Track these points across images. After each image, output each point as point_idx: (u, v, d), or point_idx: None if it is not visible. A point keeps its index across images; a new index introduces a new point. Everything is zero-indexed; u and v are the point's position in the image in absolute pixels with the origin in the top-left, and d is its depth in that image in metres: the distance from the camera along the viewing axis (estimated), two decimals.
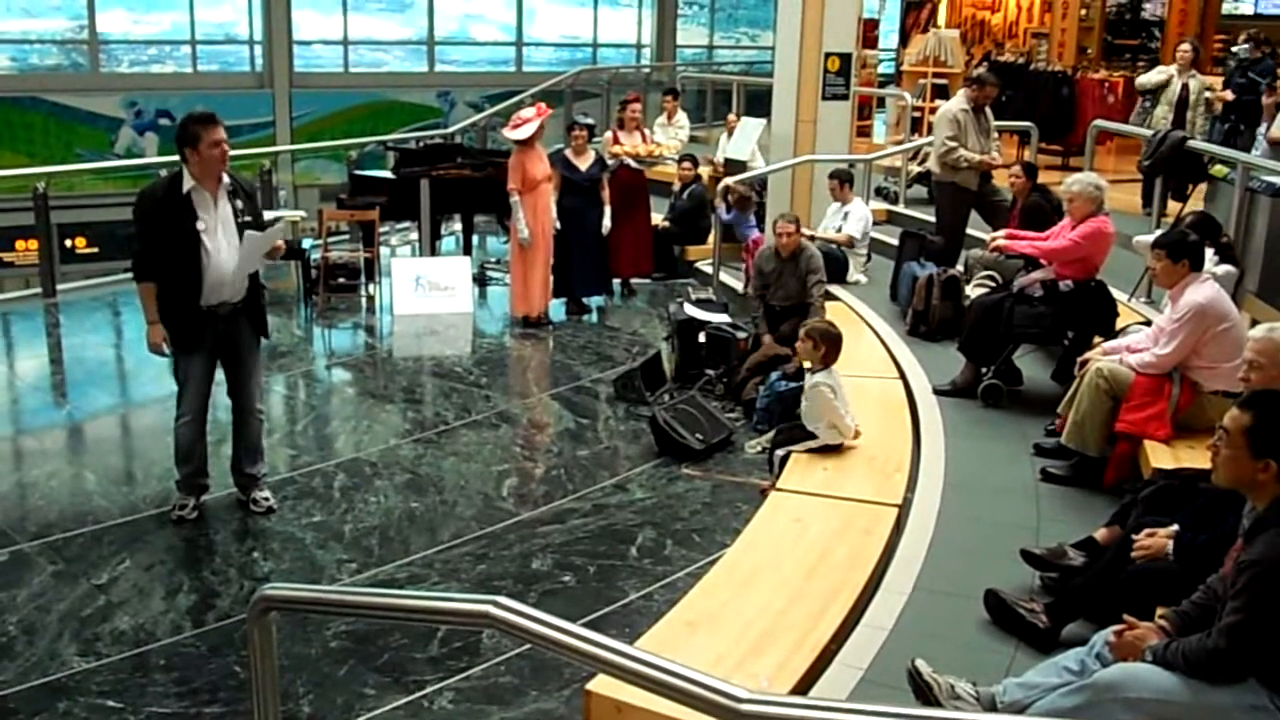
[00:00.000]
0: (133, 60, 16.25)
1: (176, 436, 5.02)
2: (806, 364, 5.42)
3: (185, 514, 5.02)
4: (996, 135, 7.79)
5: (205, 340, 4.88)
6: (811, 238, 7.96)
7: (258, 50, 16.53)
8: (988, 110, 7.65)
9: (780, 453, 5.16)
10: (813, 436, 5.08)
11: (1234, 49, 9.89)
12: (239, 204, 4.81)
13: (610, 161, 8.86)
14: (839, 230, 8.08)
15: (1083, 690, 2.86)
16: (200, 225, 4.67)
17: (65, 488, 5.44)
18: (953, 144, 7.53)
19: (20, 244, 13.23)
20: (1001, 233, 6.42)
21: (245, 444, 5.15)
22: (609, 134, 9.37)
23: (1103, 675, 2.87)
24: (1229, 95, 9.56)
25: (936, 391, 5.88)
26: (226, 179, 4.78)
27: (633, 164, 9.07)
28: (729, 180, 8.84)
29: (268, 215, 9.78)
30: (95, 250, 14.40)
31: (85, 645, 4.07)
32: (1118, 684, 2.81)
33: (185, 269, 4.71)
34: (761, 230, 8.69)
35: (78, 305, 8.79)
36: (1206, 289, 4.64)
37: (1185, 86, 9.28)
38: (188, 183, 4.70)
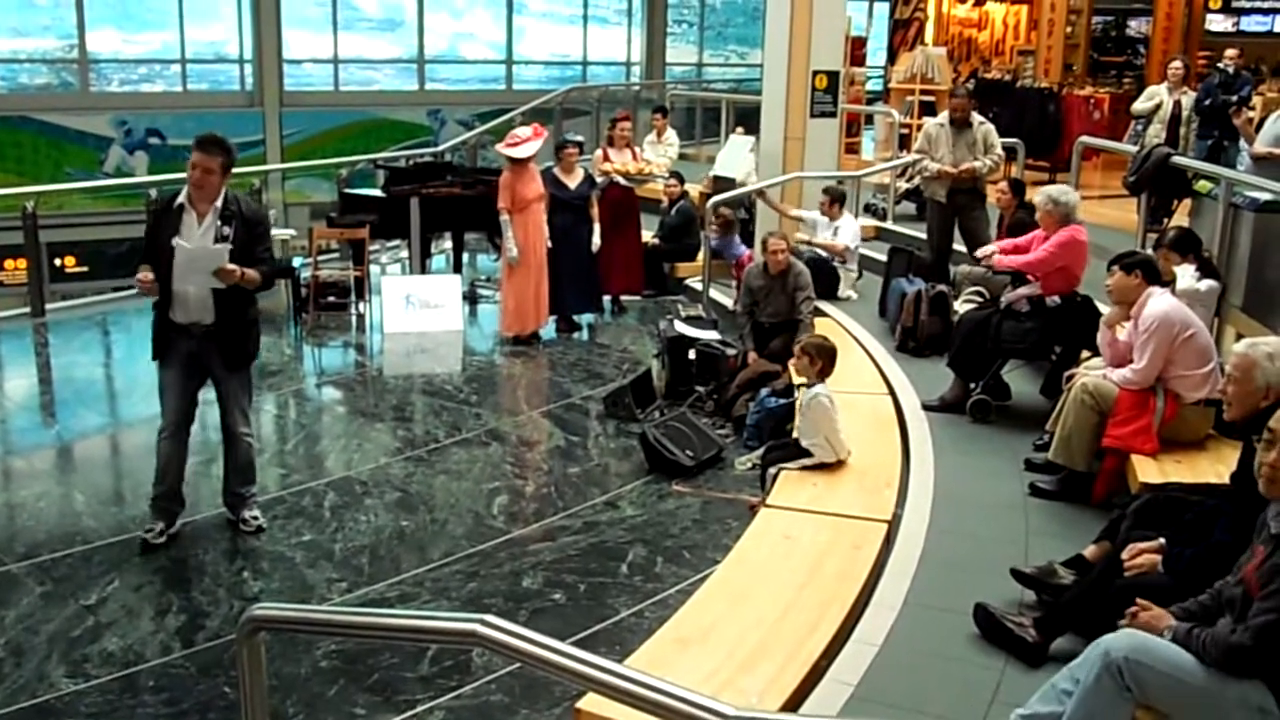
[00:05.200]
0: (123, 79, 16.26)
1: (156, 452, 5.01)
2: (802, 379, 5.44)
3: (151, 538, 4.95)
4: (998, 151, 7.75)
5: (175, 353, 4.88)
6: (808, 243, 8.04)
7: (248, 69, 16.55)
8: (977, 126, 7.67)
9: (771, 470, 5.18)
10: (805, 454, 5.09)
11: (1220, 64, 9.97)
12: (227, 229, 4.76)
13: (600, 180, 8.89)
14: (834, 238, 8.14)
15: (1090, 665, 2.86)
16: (176, 240, 4.70)
17: (54, 508, 5.43)
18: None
19: (9, 263, 13.20)
20: (992, 246, 6.45)
21: (233, 466, 5.15)
22: (599, 152, 9.41)
23: (1114, 641, 2.86)
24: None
25: (925, 407, 5.91)
26: (221, 202, 4.79)
27: (622, 182, 9.11)
28: (714, 201, 8.86)
29: None
30: (84, 269, 14.36)
31: (74, 666, 4.05)
32: (1132, 648, 2.81)
33: (159, 279, 4.78)
34: (749, 247, 8.73)
35: (67, 325, 8.76)
36: (1165, 299, 4.72)
37: (1177, 104, 9.37)
38: (180, 197, 4.78)
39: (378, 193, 10.07)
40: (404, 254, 10.22)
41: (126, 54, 16.16)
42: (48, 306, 8.97)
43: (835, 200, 8.28)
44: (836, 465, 5.07)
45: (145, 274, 4.79)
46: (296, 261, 9.51)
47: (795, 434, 5.30)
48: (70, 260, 14.37)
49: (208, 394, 5.10)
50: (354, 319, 8.90)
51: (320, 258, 9.20)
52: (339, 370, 8.15)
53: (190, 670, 4.05)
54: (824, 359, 5.25)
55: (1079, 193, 6.45)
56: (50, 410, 7.00)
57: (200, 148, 4.76)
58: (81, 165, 15.12)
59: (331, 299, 8.93)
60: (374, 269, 9.72)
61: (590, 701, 3.07)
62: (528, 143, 8.02)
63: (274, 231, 10.29)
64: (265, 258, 4.96)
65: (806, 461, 5.07)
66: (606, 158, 9.15)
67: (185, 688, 3.94)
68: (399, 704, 3.84)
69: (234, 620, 4.21)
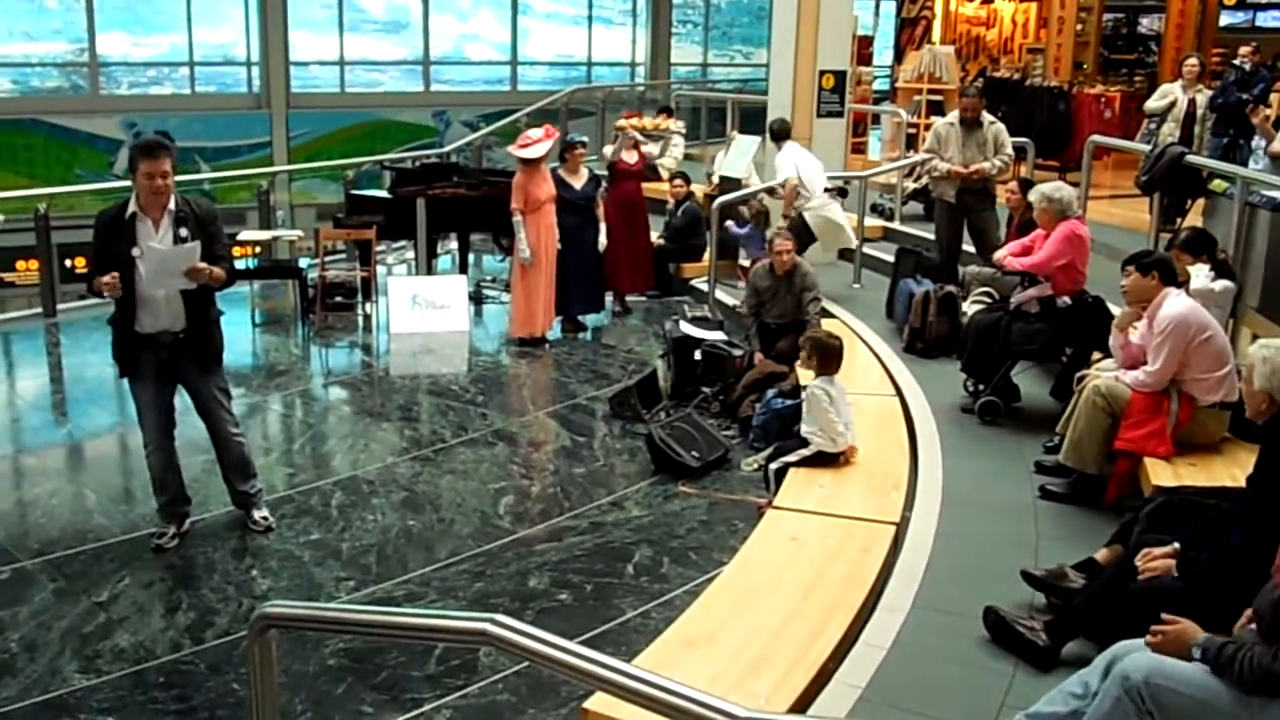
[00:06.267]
0: (132, 82, 16.33)
1: (148, 465, 4.99)
2: (810, 375, 5.45)
3: (163, 543, 4.96)
4: (1008, 151, 7.72)
5: (146, 366, 4.82)
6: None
7: (255, 71, 16.60)
8: (988, 125, 7.64)
9: (774, 466, 5.17)
10: (805, 444, 5.10)
11: (1236, 61, 9.88)
12: (184, 231, 4.70)
13: (616, 142, 8.81)
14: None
15: (1107, 689, 2.79)
16: (135, 251, 4.63)
17: (66, 506, 5.45)
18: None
19: (21, 264, 13.25)
20: (1006, 248, 6.43)
21: (229, 465, 5.15)
22: (607, 149, 9.38)
23: (1133, 663, 2.77)
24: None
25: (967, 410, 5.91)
26: (174, 205, 4.70)
27: (639, 138, 9.11)
28: (740, 194, 8.89)
29: (266, 234, 9.90)
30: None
31: (86, 662, 4.07)
32: (1153, 670, 2.73)
33: (121, 292, 4.68)
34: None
35: (78, 325, 8.79)
36: (1182, 301, 4.68)
37: (1192, 101, 9.29)
38: (131, 207, 4.67)
39: (384, 194, 10.09)
40: (410, 255, 10.23)
41: (136, 57, 16.23)
42: (59, 307, 9.01)
43: (777, 136, 8.22)
44: (843, 466, 5.06)
45: (113, 277, 4.60)
46: (303, 262, 9.54)
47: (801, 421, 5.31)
48: (81, 261, 14.31)
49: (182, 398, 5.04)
50: (360, 319, 8.91)
51: (327, 258, 9.22)
52: (345, 370, 8.16)
53: (200, 667, 4.06)
54: (818, 355, 5.27)
55: (1090, 192, 6.42)
56: (62, 409, 7.04)
57: (150, 154, 4.60)
58: (92, 167, 15.17)
59: (338, 299, 8.94)
60: (380, 270, 9.73)
61: (597, 701, 3.07)
62: (538, 144, 8.02)
63: (282, 232, 10.39)
64: (224, 254, 4.92)
65: (804, 452, 5.08)
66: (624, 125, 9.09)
67: (195, 684, 3.96)
68: (406, 703, 3.85)
69: (243, 618, 4.25)
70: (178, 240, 4.68)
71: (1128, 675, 2.75)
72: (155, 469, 4.98)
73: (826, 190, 8.23)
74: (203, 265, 4.68)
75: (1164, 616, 2.91)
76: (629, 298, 9.12)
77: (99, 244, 4.74)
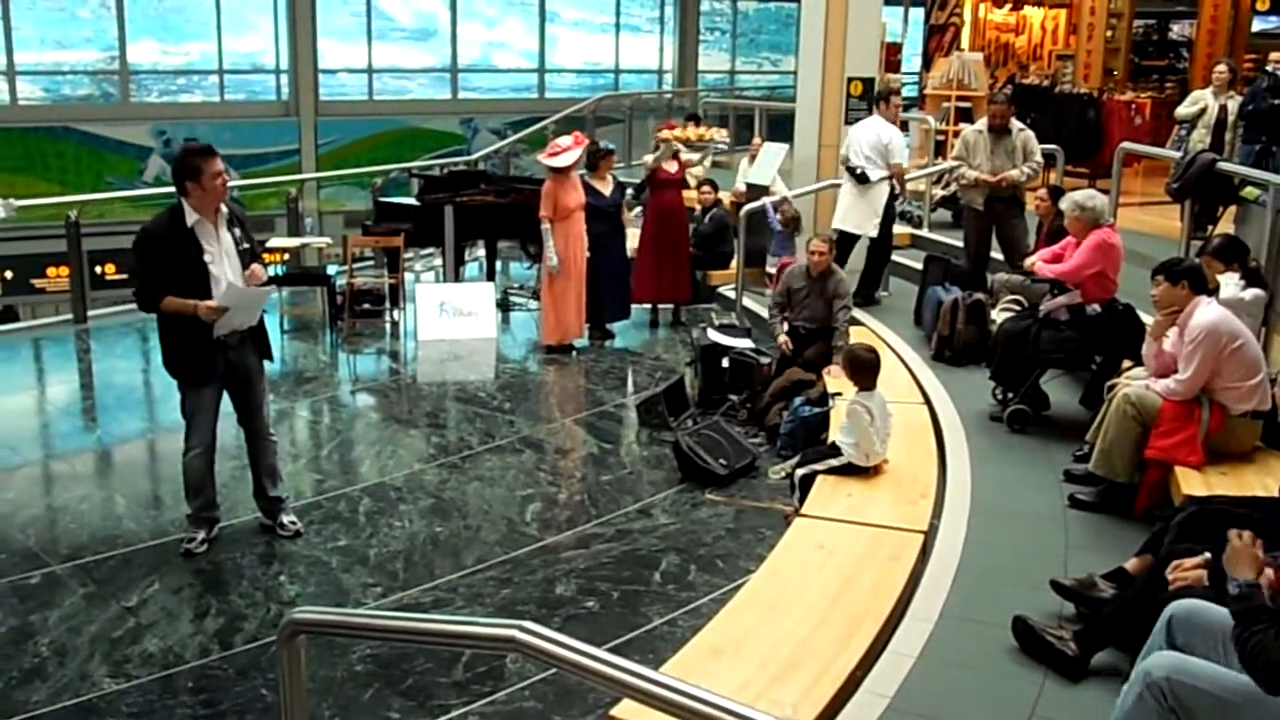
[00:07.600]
0: (162, 90, 16.55)
1: (186, 469, 5.01)
2: (837, 383, 5.42)
3: (194, 547, 5.00)
4: (1037, 158, 7.64)
5: (216, 372, 4.90)
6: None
7: (284, 79, 16.79)
8: (1017, 133, 7.58)
9: (801, 472, 5.15)
10: (836, 453, 5.07)
11: (1268, 67, 9.75)
12: (237, 232, 4.83)
13: (659, 150, 8.84)
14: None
15: (1130, 686, 2.78)
16: (207, 257, 4.70)
17: (96, 511, 5.51)
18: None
19: (52, 271, 13.42)
20: (1037, 255, 6.36)
21: (264, 468, 5.19)
22: (645, 158, 9.38)
23: (1155, 661, 2.76)
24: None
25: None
26: (224, 208, 4.81)
27: (681, 148, 9.12)
28: (782, 196, 8.95)
29: (294, 242, 10.01)
30: (125, 277, 14.56)
31: (115, 666, 4.11)
32: (1174, 668, 2.72)
33: (201, 299, 4.71)
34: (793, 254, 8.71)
35: (108, 331, 8.91)
36: (1213, 309, 4.64)
37: (1223, 108, 9.19)
38: (191, 216, 4.70)
39: (412, 201, 10.15)
40: (438, 262, 10.29)
41: (166, 65, 16.44)
42: (90, 313, 9.14)
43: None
44: (872, 474, 5.03)
45: (210, 305, 4.68)
46: (332, 269, 9.61)
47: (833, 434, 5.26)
48: (111, 268, 14.56)
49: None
50: (389, 326, 8.97)
51: (355, 265, 9.28)
52: (374, 377, 8.21)
53: (228, 672, 4.09)
54: (851, 368, 5.25)
55: (1121, 199, 6.35)
56: (92, 415, 7.11)
57: (211, 153, 4.70)
58: (122, 174, 15.38)
59: (366, 306, 9.00)
60: (408, 276, 9.79)
61: (624, 709, 3.06)
62: (568, 151, 8.03)
63: (310, 239, 10.50)
64: (258, 251, 5.09)
65: (833, 462, 5.05)
66: (667, 137, 9.09)
67: (224, 689, 3.99)
68: (433, 709, 3.86)
69: (271, 623, 4.27)
70: (236, 242, 4.82)
71: (1150, 673, 2.76)
72: (195, 473, 5.01)
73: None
74: (266, 293, 4.93)
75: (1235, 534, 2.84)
76: (661, 307, 9.10)
77: (158, 258, 4.72)
